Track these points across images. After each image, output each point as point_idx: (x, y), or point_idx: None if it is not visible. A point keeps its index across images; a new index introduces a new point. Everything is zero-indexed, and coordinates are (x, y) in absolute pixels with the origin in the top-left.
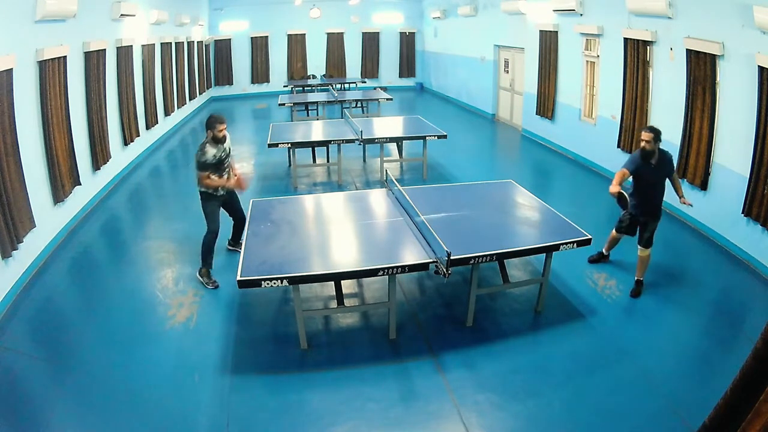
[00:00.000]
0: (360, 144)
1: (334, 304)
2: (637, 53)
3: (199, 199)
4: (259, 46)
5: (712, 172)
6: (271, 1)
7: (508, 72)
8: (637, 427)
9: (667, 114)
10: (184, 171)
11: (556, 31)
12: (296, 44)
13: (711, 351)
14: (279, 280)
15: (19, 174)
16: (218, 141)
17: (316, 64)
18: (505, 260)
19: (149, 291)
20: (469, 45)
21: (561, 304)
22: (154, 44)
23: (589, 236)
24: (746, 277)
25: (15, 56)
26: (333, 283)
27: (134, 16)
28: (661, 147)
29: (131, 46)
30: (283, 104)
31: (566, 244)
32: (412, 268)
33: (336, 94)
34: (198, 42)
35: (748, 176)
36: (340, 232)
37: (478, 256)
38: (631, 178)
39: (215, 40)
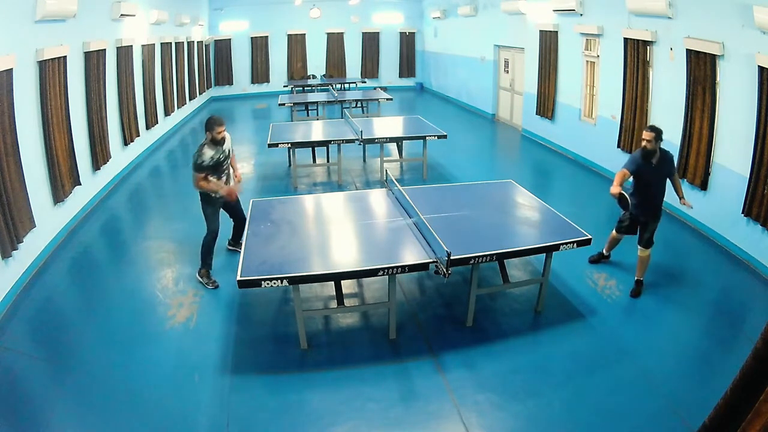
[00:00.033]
0: (360, 144)
1: (334, 304)
2: (637, 53)
3: (199, 200)
4: (259, 46)
5: (712, 172)
6: (271, 1)
7: (508, 72)
8: (637, 427)
9: (667, 114)
10: (184, 171)
11: (556, 31)
12: (296, 44)
13: (711, 351)
14: (279, 280)
15: (19, 174)
16: (217, 143)
17: (316, 64)
18: (505, 260)
19: (149, 291)
20: (469, 45)
21: (561, 304)
22: (154, 44)
23: (589, 236)
24: (746, 277)
25: (15, 56)
26: (333, 283)
27: (134, 16)
28: (662, 147)
29: (131, 46)
30: (283, 104)
31: (566, 244)
32: (412, 268)
33: (336, 94)
34: (198, 42)
35: (748, 176)
36: (340, 232)
37: (478, 256)
38: (631, 178)
39: (215, 40)
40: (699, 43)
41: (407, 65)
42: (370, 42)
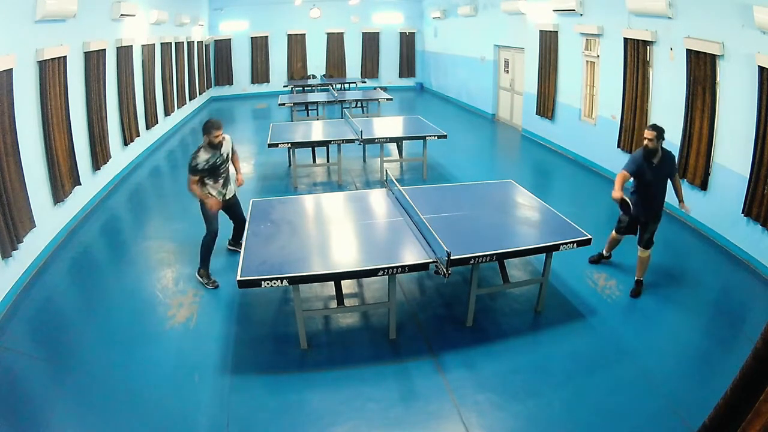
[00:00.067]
0: (360, 144)
1: (334, 304)
2: (637, 53)
3: (199, 201)
4: (259, 46)
5: (712, 172)
6: (271, 1)
7: (508, 72)
8: (637, 427)
9: (667, 114)
10: (184, 171)
11: (556, 31)
12: (296, 44)
13: (711, 351)
14: (279, 280)
15: (19, 174)
16: (214, 146)
17: (316, 64)
18: (505, 260)
19: (149, 291)
20: (469, 45)
21: (561, 304)
22: (154, 44)
23: (589, 236)
24: (746, 277)
25: (15, 56)
26: (333, 283)
27: (134, 16)
28: (663, 146)
29: (131, 46)
30: (283, 104)
31: (566, 244)
32: (412, 268)
33: (336, 94)
34: (198, 42)
35: (748, 176)
36: (340, 232)
37: (478, 256)
38: (631, 179)
39: (215, 40)
40: (699, 43)
41: (407, 65)
42: (370, 42)
